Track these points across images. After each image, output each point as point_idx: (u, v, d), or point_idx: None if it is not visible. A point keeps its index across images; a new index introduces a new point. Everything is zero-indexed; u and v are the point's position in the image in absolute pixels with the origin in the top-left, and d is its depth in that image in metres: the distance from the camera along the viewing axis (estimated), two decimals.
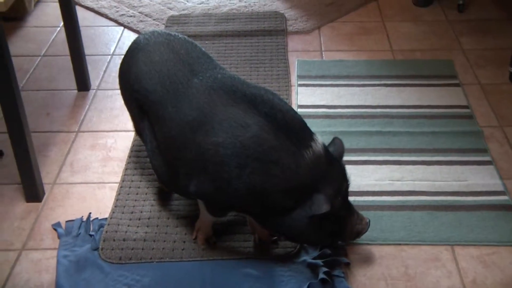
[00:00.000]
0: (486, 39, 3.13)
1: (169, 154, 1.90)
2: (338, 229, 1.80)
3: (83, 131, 2.55)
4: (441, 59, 2.98)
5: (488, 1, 3.46)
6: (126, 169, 2.31)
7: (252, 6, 3.45)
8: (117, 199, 2.17)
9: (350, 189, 1.84)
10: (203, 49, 2.08)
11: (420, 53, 3.03)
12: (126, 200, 2.16)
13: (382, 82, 2.81)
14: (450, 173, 2.26)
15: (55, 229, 2.07)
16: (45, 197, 2.21)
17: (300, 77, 2.85)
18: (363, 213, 1.89)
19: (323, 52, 3.06)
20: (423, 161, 2.32)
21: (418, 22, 3.32)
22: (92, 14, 3.42)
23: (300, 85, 2.79)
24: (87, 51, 2.86)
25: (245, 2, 3.49)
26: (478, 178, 2.23)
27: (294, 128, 1.79)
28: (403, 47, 3.09)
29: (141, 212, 2.11)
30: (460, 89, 2.75)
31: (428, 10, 3.43)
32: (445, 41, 3.14)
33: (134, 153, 2.39)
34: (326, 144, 1.84)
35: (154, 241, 1.99)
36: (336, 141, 1.87)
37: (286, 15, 3.35)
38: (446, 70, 2.89)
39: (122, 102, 2.14)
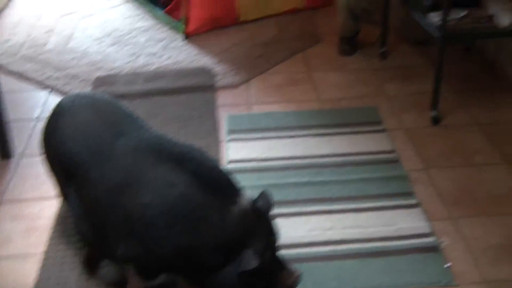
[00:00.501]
0: (408, 84, 3.28)
1: (95, 219, 1.90)
2: (269, 284, 1.83)
3: (6, 202, 2.51)
4: (367, 106, 3.10)
5: (408, 49, 3.64)
6: (51, 238, 2.28)
7: (180, 63, 3.52)
8: (41, 271, 2.12)
9: (282, 242, 1.88)
10: (129, 109, 2.12)
11: (346, 101, 3.15)
12: (52, 270, 2.12)
13: (311, 132, 2.90)
14: (379, 218, 2.34)
15: None
16: None
17: (230, 132, 2.90)
18: (296, 265, 1.92)
19: (252, 105, 3.14)
20: (353, 209, 2.39)
21: (344, 71, 3.45)
22: (16, 78, 3.41)
23: (230, 140, 2.84)
24: (11, 116, 2.84)
25: (173, 59, 3.56)
26: (406, 222, 2.31)
27: (221, 184, 1.83)
28: (330, 96, 3.21)
29: (66, 283, 2.07)
30: (386, 134, 2.86)
31: (353, 59, 3.58)
32: (370, 88, 3.27)
33: (60, 220, 2.37)
34: (255, 198, 1.89)
35: None
36: (264, 195, 1.92)
37: (214, 70, 3.43)
38: (372, 116, 3.01)
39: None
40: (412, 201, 2.42)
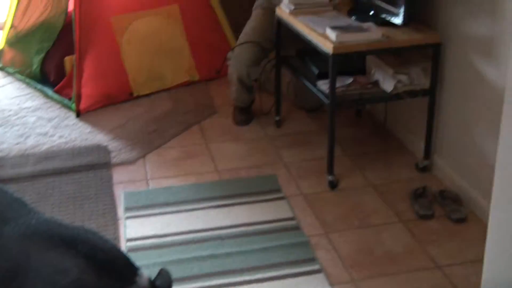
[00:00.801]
0: (304, 151, 3.37)
1: None
2: None
3: None
4: (265, 175, 3.14)
5: (302, 116, 3.76)
6: None
7: (73, 141, 3.45)
8: None
9: None
10: (15, 194, 2.03)
11: (245, 171, 3.19)
12: None
13: (211, 204, 2.89)
14: (283, 287, 2.34)
15: None
16: None
17: (127, 209, 2.85)
18: None
19: (149, 181, 3.11)
20: (256, 279, 2.38)
21: (240, 141, 3.51)
22: None
23: (127, 218, 2.78)
24: None
25: (65, 138, 3.49)
26: None
27: (117, 265, 1.77)
28: (228, 166, 3.23)
29: None
30: (286, 201, 2.90)
31: (249, 128, 3.65)
32: (267, 156, 3.33)
33: None
34: (153, 277, 1.84)
35: None
36: (163, 273, 1.87)
37: (109, 147, 3.39)
38: (270, 184, 3.05)
39: None
40: (315, 267, 2.44)
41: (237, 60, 3.48)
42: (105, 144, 3.43)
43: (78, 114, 3.75)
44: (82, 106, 3.77)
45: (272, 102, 3.68)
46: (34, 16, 4.20)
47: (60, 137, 3.51)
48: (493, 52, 2.58)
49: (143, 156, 3.33)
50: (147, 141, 3.47)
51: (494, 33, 2.56)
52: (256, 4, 3.70)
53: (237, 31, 3.92)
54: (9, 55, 4.40)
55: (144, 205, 2.88)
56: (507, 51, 1.84)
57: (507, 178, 1.86)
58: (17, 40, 4.33)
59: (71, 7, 3.90)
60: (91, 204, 2.88)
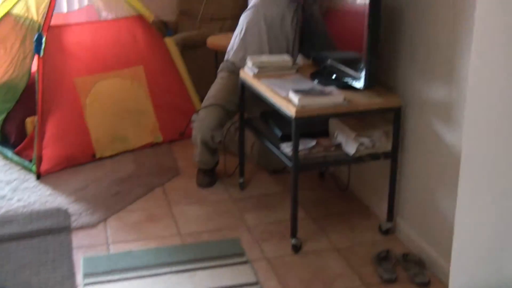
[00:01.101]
0: (268, 213, 3.37)
1: None
2: None
3: None
4: (228, 238, 3.11)
5: (266, 177, 3.78)
6: None
7: (32, 205, 3.39)
8: None
9: None
10: None
11: (208, 235, 3.16)
12: None
13: (173, 269, 2.85)
14: None
15: None
16: None
17: (86, 275, 2.78)
18: None
19: (110, 245, 3.05)
20: None
21: (204, 203, 3.49)
22: None
23: (86, 285, 2.72)
24: None
25: (24, 201, 3.43)
26: None
27: None
28: (191, 230, 3.20)
29: None
30: (249, 266, 2.87)
31: (212, 190, 3.64)
32: (230, 219, 3.31)
33: None
34: None
35: None
36: None
37: (69, 210, 3.33)
38: (234, 248, 3.02)
39: None
40: None
41: (202, 123, 3.51)
42: (65, 207, 3.37)
43: (39, 177, 3.70)
44: (43, 168, 3.73)
45: (236, 163, 3.69)
46: None
47: (19, 200, 3.44)
48: (451, 116, 2.65)
49: (104, 220, 3.28)
50: (109, 204, 3.43)
51: (451, 99, 2.63)
52: (221, 66, 3.75)
53: (202, 92, 3.97)
54: None
55: (104, 271, 2.82)
56: (463, 116, 1.91)
57: (466, 241, 1.88)
58: None
59: (34, 68, 3.90)
60: (49, 271, 2.81)
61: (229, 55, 3.70)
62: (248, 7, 3.70)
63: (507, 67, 1.65)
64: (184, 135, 4.21)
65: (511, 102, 1.66)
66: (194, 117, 3.60)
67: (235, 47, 3.65)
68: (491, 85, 1.72)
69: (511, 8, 1.61)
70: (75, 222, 3.23)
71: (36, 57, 3.86)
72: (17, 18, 4.13)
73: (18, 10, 4.15)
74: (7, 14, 4.20)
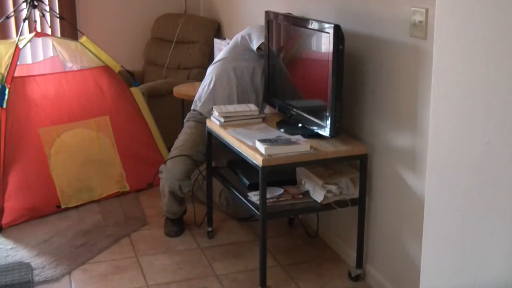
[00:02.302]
0: (237, 262, 3.36)
1: None
2: None
3: None
4: None
5: (235, 226, 3.77)
6: None
7: None
8: None
9: None
10: None
11: (176, 285, 3.12)
12: None
13: None
14: None
15: None
16: None
17: None
18: None
19: None
20: None
21: (172, 253, 3.46)
22: None
23: None
24: None
25: None
26: None
27: None
28: (159, 281, 3.17)
29: None
30: None
31: (180, 239, 3.62)
32: (199, 269, 3.29)
33: None
34: None
35: None
36: None
37: (32, 264, 3.27)
38: None
39: None
40: None
41: (169, 173, 3.51)
42: (27, 261, 3.31)
43: (0, 230, 3.63)
44: (5, 220, 3.66)
45: (205, 212, 3.68)
46: None
47: None
48: (415, 163, 2.70)
49: (69, 273, 3.23)
50: (74, 256, 3.37)
51: (415, 146, 2.69)
52: (188, 116, 3.78)
53: (169, 141, 3.98)
54: None
55: None
56: (426, 164, 1.96)
57: (433, 286, 1.90)
58: None
59: None
60: None
61: (196, 105, 3.73)
62: (216, 59, 3.75)
63: (465, 116, 1.70)
64: (152, 185, 4.20)
65: (470, 150, 1.70)
66: (161, 167, 3.60)
67: (203, 98, 3.67)
68: (451, 133, 1.77)
69: (469, 58, 1.67)
70: (37, 276, 3.17)
71: None
72: None
73: None
74: None
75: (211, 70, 3.72)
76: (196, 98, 3.77)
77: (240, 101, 3.58)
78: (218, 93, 3.62)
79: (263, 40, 3.46)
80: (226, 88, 3.61)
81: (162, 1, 5.45)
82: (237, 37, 3.68)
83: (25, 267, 3.25)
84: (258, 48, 3.52)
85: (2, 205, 3.68)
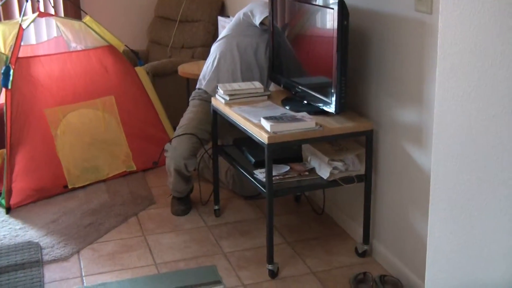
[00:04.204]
0: (244, 240, 3.38)
1: None
2: None
3: None
4: (204, 266, 3.11)
5: (241, 204, 3.79)
6: None
7: (2, 240, 3.36)
8: None
9: None
10: None
11: (184, 263, 3.15)
12: None
13: None
14: None
15: None
16: None
17: None
18: None
19: (83, 278, 3.03)
20: None
21: (179, 231, 3.49)
22: None
23: None
24: None
25: None
26: None
27: None
28: (167, 259, 3.19)
29: None
30: None
31: (187, 218, 3.64)
32: (206, 247, 3.31)
33: None
34: None
35: None
36: None
37: (41, 243, 3.30)
38: (210, 276, 3.02)
39: None
40: None
41: (175, 152, 3.51)
42: (36, 240, 3.34)
43: (8, 210, 3.67)
44: (13, 201, 3.69)
45: (211, 190, 3.70)
46: None
47: None
48: (421, 138, 2.70)
49: (77, 252, 3.26)
50: (82, 236, 3.40)
51: (422, 121, 2.69)
52: (193, 94, 3.78)
53: (174, 120, 3.99)
54: None
55: None
56: (432, 139, 1.96)
57: (438, 262, 1.91)
58: None
59: (2, 100, 3.88)
60: None
61: (201, 83, 3.73)
62: (220, 37, 3.74)
63: (471, 90, 1.70)
64: (158, 164, 4.22)
65: (476, 124, 1.70)
66: (167, 146, 3.61)
67: (207, 77, 3.67)
68: (457, 107, 1.77)
69: (475, 31, 1.66)
70: (47, 255, 3.20)
71: (3, 90, 3.84)
72: None
73: None
74: None
75: (214, 48, 3.71)
76: (200, 76, 3.77)
77: (244, 77, 3.58)
78: (222, 70, 3.62)
79: (266, 15, 3.44)
80: (230, 65, 3.60)
81: None
82: (240, 13, 3.67)
83: (34, 246, 3.28)
84: (262, 23, 3.50)
85: (10, 185, 3.71)
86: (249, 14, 3.58)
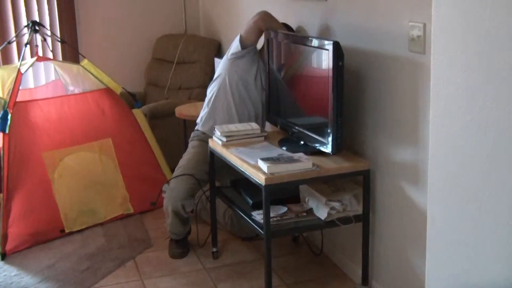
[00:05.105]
0: (242, 282, 3.35)
1: None
2: None
3: None
4: None
5: (240, 245, 3.78)
6: None
7: None
8: None
9: None
10: None
11: None
12: None
13: None
14: None
15: None
16: None
17: None
18: None
19: None
20: None
21: (177, 275, 3.46)
22: None
23: None
24: None
25: None
26: None
27: None
28: None
29: None
30: None
31: (185, 261, 3.62)
32: None
33: None
34: None
35: None
36: None
37: None
38: None
39: None
40: None
41: (173, 193, 3.52)
42: (32, 287, 3.32)
43: (4, 257, 3.64)
44: (8, 247, 3.67)
45: (208, 232, 3.69)
46: None
47: None
48: (418, 177, 2.71)
49: None
50: (79, 281, 3.38)
51: (418, 160, 2.70)
52: (192, 135, 3.81)
53: (172, 161, 3.99)
54: None
55: None
56: (427, 177, 1.97)
57: None
58: None
59: (0, 143, 3.90)
60: None
61: (199, 124, 3.76)
62: (213, 79, 3.79)
63: (464, 130, 1.72)
64: (156, 204, 4.21)
65: (470, 163, 1.72)
66: (165, 187, 3.61)
67: (204, 117, 3.71)
68: (451, 146, 1.79)
69: (465, 72, 1.69)
70: None
71: (1, 134, 3.86)
72: None
73: None
74: None
75: (209, 90, 3.78)
76: (198, 119, 3.81)
77: (238, 111, 3.63)
78: (218, 107, 3.67)
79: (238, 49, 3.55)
80: (224, 101, 3.65)
81: (162, 21, 5.50)
82: (227, 53, 3.74)
83: None
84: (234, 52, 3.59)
85: (6, 231, 3.70)
86: (228, 51, 3.67)
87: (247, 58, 3.61)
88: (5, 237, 3.68)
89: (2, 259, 3.63)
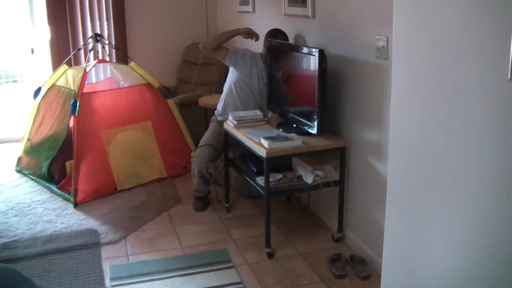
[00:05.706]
0: (248, 229, 3.40)
1: None
2: None
3: None
4: (218, 249, 3.13)
5: (246, 202, 3.81)
6: None
7: (71, 227, 3.39)
8: None
9: None
10: (24, 272, 1.99)
11: (203, 247, 3.17)
12: None
13: (177, 273, 2.86)
14: None
15: None
16: None
17: (112, 279, 2.79)
18: None
19: (129, 256, 3.06)
20: None
21: (199, 223, 3.51)
22: None
23: (113, 286, 2.73)
24: None
25: (65, 224, 3.43)
26: None
27: None
28: (190, 243, 3.22)
29: None
30: (234, 270, 2.89)
31: (205, 213, 3.66)
32: (220, 235, 3.33)
33: None
34: None
35: None
36: None
37: (98, 230, 3.34)
38: (223, 257, 3.03)
39: None
40: None
41: (198, 157, 3.56)
42: (95, 228, 3.38)
43: (75, 205, 3.71)
44: (78, 198, 3.73)
45: (223, 192, 3.73)
46: (45, 131, 4.22)
47: (62, 223, 3.44)
48: (381, 152, 2.75)
49: (125, 237, 3.29)
50: (128, 225, 3.44)
51: (381, 140, 2.73)
52: (212, 119, 3.85)
53: (195, 139, 4.01)
54: (25, 161, 4.37)
55: (125, 276, 2.83)
56: (388, 152, 2.00)
57: (393, 244, 1.95)
58: (31, 150, 4.31)
59: (71, 124, 3.95)
60: (85, 276, 2.81)
61: (217, 115, 3.81)
62: (226, 80, 3.82)
63: (416, 115, 1.75)
64: (186, 168, 4.25)
65: (421, 141, 1.75)
66: (192, 153, 3.66)
67: (220, 110, 3.77)
68: (407, 129, 1.82)
69: (418, 73, 1.72)
70: (103, 239, 3.24)
71: (72, 117, 3.91)
72: (59, 88, 4.19)
73: (60, 82, 4.23)
74: (53, 85, 4.28)
75: (224, 87, 3.81)
76: (216, 110, 3.85)
77: (244, 106, 3.65)
78: (229, 103, 3.71)
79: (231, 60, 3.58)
80: (232, 100, 3.70)
81: (190, 32, 5.50)
82: None
83: (94, 232, 3.32)
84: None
85: (76, 187, 3.75)
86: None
87: (239, 65, 3.62)
88: (76, 191, 3.74)
89: (75, 207, 3.70)
